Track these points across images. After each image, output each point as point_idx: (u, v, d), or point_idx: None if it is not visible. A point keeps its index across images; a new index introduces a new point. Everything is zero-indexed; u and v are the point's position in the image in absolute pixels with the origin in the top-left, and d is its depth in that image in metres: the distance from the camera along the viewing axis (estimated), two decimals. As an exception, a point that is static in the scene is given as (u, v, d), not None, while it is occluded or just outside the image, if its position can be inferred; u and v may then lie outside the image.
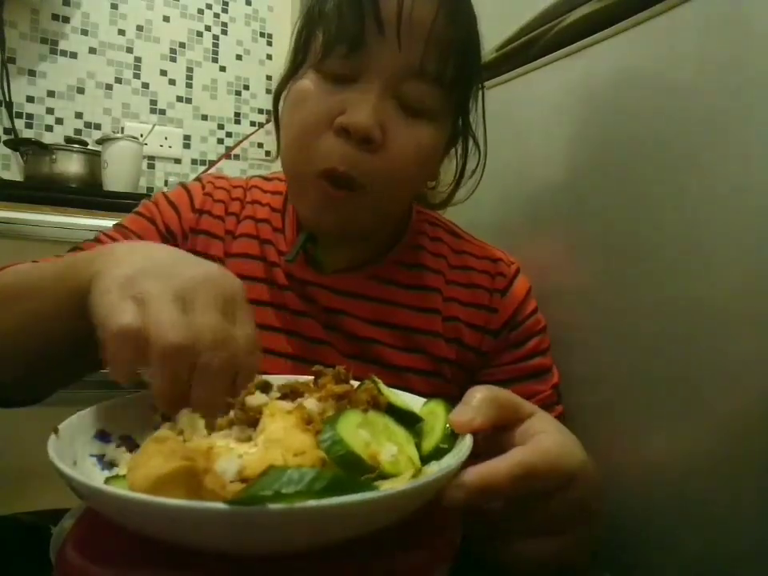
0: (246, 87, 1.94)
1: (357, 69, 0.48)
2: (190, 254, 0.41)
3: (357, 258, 0.59)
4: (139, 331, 0.31)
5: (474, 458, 0.32)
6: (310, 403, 0.35)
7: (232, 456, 0.29)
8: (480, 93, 0.59)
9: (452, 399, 0.37)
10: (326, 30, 0.49)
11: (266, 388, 0.39)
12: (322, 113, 0.49)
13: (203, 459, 0.28)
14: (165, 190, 0.63)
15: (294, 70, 0.54)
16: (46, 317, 0.43)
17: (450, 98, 0.52)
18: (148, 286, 0.33)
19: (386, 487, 0.28)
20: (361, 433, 0.31)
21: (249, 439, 0.33)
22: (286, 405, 0.35)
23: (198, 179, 0.65)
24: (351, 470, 0.29)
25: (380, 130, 0.47)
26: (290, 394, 0.38)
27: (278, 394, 0.38)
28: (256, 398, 0.37)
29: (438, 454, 0.34)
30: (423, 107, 0.50)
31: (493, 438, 0.36)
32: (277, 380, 0.41)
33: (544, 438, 0.35)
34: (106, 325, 0.32)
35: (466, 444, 0.32)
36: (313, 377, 0.40)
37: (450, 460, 0.32)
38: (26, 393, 0.52)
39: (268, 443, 0.30)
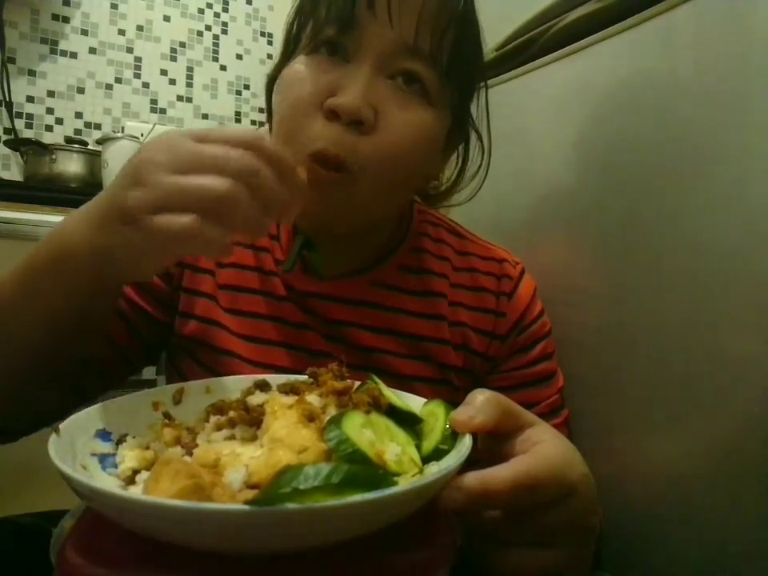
0: (247, 86, 1.94)
1: (348, 49, 0.47)
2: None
3: (357, 262, 0.57)
4: (191, 219, 0.32)
5: (473, 463, 0.32)
6: (312, 398, 0.35)
7: (238, 466, 0.29)
8: (483, 89, 0.57)
9: (457, 406, 0.36)
10: (317, 13, 0.48)
11: (264, 387, 0.40)
12: (312, 94, 0.47)
13: (209, 473, 0.28)
14: None
15: (287, 57, 0.53)
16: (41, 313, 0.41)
17: (448, 82, 0.50)
18: (139, 199, 0.33)
19: (401, 482, 0.28)
20: (365, 432, 0.31)
21: (254, 438, 0.33)
22: (287, 399, 0.35)
23: None
24: None
25: (371, 110, 0.45)
26: (290, 392, 0.38)
27: (277, 393, 0.38)
28: (256, 397, 0.37)
29: (437, 454, 0.34)
30: (418, 88, 0.48)
31: (492, 447, 0.36)
32: (276, 379, 0.41)
33: (546, 448, 0.35)
34: (166, 247, 0.34)
35: (465, 444, 0.32)
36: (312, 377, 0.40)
37: (450, 460, 0.32)
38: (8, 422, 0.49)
39: (272, 444, 0.31)
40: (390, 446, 0.32)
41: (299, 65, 0.49)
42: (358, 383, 0.39)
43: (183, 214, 0.32)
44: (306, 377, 0.41)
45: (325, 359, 0.54)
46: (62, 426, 0.32)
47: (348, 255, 0.57)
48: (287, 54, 0.53)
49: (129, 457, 0.34)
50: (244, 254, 0.57)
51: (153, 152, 0.34)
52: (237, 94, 1.93)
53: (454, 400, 0.53)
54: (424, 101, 0.48)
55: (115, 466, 0.34)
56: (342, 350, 0.54)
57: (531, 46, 0.69)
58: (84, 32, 1.71)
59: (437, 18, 0.47)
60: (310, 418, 0.33)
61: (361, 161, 0.46)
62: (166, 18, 1.82)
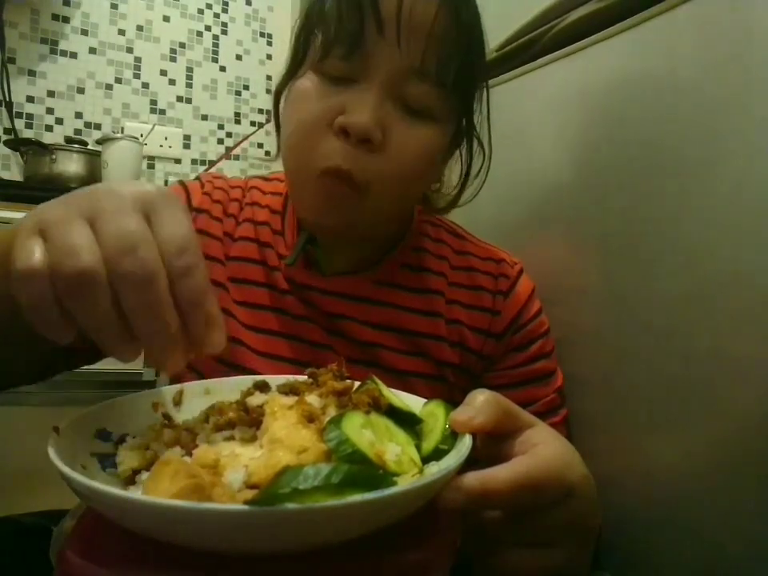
0: (246, 87, 1.94)
1: (357, 69, 0.48)
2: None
3: (358, 260, 0.59)
4: (44, 267, 0.27)
5: (473, 463, 0.32)
6: (312, 398, 0.35)
7: (237, 466, 0.29)
8: (485, 92, 0.58)
9: (455, 404, 0.37)
10: (326, 30, 0.49)
11: (264, 388, 0.40)
12: (322, 113, 0.48)
13: (209, 473, 0.28)
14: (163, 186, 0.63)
15: (294, 69, 0.54)
16: None
17: (453, 99, 0.51)
18: (51, 215, 0.29)
19: (401, 482, 0.28)
20: (365, 433, 0.31)
21: (253, 439, 0.33)
22: (287, 400, 0.35)
23: (197, 178, 0.64)
24: None
25: (380, 130, 0.47)
26: (289, 393, 0.38)
27: (277, 394, 0.38)
28: (256, 398, 0.37)
29: (437, 454, 0.34)
30: (424, 108, 0.49)
31: (491, 447, 0.36)
32: (275, 380, 0.41)
33: (545, 449, 0.35)
34: (11, 271, 0.28)
35: (465, 444, 0.32)
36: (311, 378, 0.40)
37: (450, 460, 0.32)
38: None
39: (271, 444, 0.31)
40: (390, 447, 0.32)
41: (308, 81, 0.50)
42: (357, 383, 0.39)
43: (41, 255, 0.27)
44: (306, 377, 0.41)
45: (325, 351, 0.55)
46: (62, 426, 0.32)
47: (349, 254, 0.59)
48: (295, 66, 0.54)
49: (129, 457, 0.34)
50: (249, 248, 0.59)
51: (108, 194, 0.29)
52: (236, 95, 1.93)
53: (450, 396, 0.54)
54: (429, 118, 0.50)
55: (115, 465, 0.34)
56: (342, 344, 0.55)
57: (532, 46, 0.69)
58: (84, 32, 1.71)
59: (444, 41, 0.48)
60: (310, 418, 0.33)
61: (369, 177, 0.48)
62: (166, 19, 1.82)
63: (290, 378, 0.41)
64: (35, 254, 0.27)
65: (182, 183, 0.62)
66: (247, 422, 0.34)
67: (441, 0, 0.48)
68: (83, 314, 0.28)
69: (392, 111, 0.48)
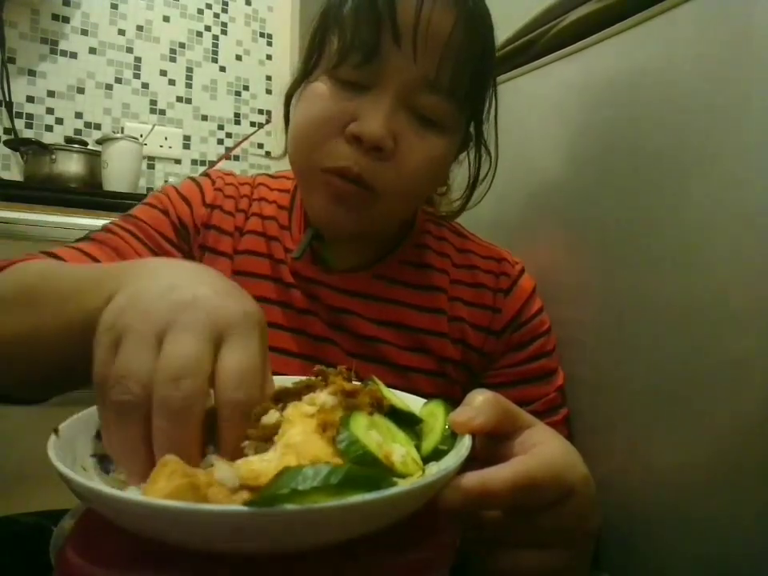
0: (246, 87, 1.94)
1: (371, 77, 0.48)
2: (212, 270, 0.37)
3: (363, 257, 0.59)
4: (106, 380, 0.29)
5: (472, 461, 0.32)
6: (324, 397, 0.35)
7: (223, 464, 0.29)
8: (494, 97, 0.58)
9: (455, 401, 0.37)
10: (342, 36, 0.49)
11: (280, 397, 0.38)
12: (334, 116, 0.49)
13: (206, 473, 0.28)
14: (172, 183, 0.63)
15: (308, 71, 0.54)
16: (54, 336, 0.39)
17: (464, 109, 0.52)
18: (129, 320, 0.30)
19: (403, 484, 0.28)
20: (372, 434, 0.31)
21: (264, 449, 0.32)
22: (309, 408, 0.34)
23: (206, 174, 0.64)
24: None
25: (392, 139, 0.48)
26: (305, 389, 0.37)
27: (296, 402, 0.36)
28: (270, 416, 0.36)
29: (437, 455, 0.34)
30: (436, 118, 0.50)
31: (491, 448, 0.36)
32: (289, 380, 0.40)
33: (545, 449, 0.35)
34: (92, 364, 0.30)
35: (465, 444, 0.32)
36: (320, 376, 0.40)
37: (450, 461, 0.32)
38: (27, 395, 0.48)
39: (285, 449, 0.30)
40: (396, 447, 0.31)
41: (321, 85, 0.51)
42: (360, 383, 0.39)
43: (107, 372, 0.29)
44: (315, 378, 0.40)
45: (327, 345, 0.56)
46: (62, 426, 0.32)
47: (354, 251, 0.60)
48: (308, 67, 0.54)
49: None
50: (257, 242, 0.59)
51: (191, 305, 0.30)
52: (236, 95, 1.93)
53: (452, 392, 0.54)
54: (440, 128, 0.51)
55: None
56: (344, 338, 0.56)
57: (532, 46, 0.69)
58: (84, 32, 1.71)
59: (458, 54, 0.49)
60: (326, 428, 0.32)
61: (379, 183, 0.49)
62: (166, 19, 1.82)
63: (303, 378, 0.41)
64: (103, 367, 0.29)
65: (193, 180, 0.63)
66: (260, 438, 0.33)
67: (458, 12, 0.48)
68: (113, 433, 0.30)
69: (404, 120, 0.49)
